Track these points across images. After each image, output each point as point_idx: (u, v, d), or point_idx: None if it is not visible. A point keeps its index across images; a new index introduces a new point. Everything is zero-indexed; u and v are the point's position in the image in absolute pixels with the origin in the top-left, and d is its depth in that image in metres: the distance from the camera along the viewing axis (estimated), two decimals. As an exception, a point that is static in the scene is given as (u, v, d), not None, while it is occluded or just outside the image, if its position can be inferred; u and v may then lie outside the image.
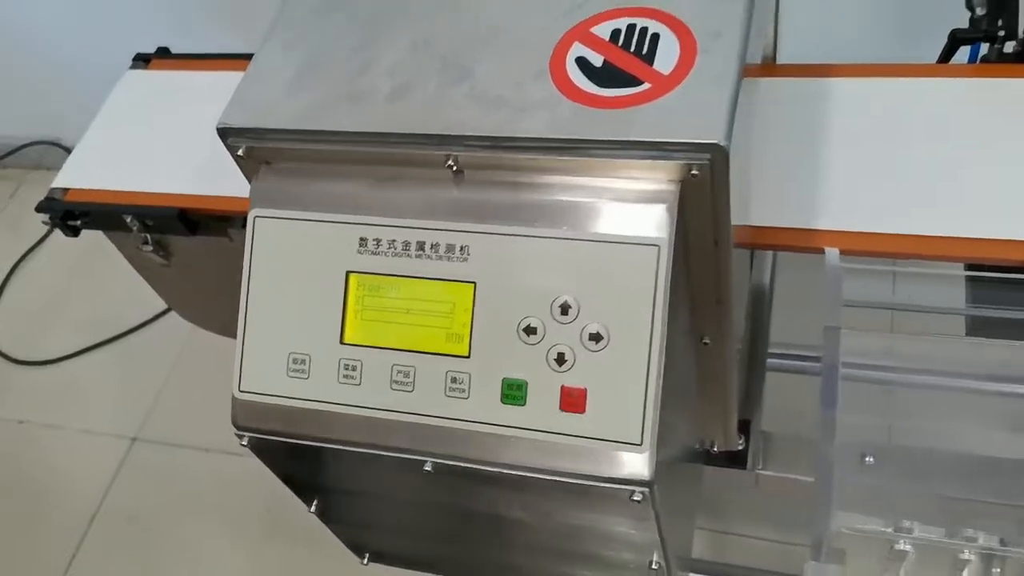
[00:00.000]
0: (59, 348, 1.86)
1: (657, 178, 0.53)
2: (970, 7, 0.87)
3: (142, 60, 1.01)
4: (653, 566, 0.62)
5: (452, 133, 0.55)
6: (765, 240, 0.72)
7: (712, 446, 0.79)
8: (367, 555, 0.78)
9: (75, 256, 1.94)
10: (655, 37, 0.56)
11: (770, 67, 0.87)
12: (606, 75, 0.55)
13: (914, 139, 0.75)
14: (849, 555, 0.56)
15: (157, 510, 1.62)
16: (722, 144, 0.50)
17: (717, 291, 0.60)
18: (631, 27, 0.57)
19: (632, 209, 0.53)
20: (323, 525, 0.73)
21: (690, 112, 0.52)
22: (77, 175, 0.92)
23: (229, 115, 0.59)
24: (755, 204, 0.71)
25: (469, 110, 0.55)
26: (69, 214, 0.90)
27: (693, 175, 0.52)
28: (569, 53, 0.56)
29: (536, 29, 0.58)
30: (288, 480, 0.66)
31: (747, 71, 0.55)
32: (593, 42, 0.57)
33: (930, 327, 0.81)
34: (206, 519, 1.58)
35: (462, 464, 0.55)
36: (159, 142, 0.90)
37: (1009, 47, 0.86)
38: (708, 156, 0.51)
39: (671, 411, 0.55)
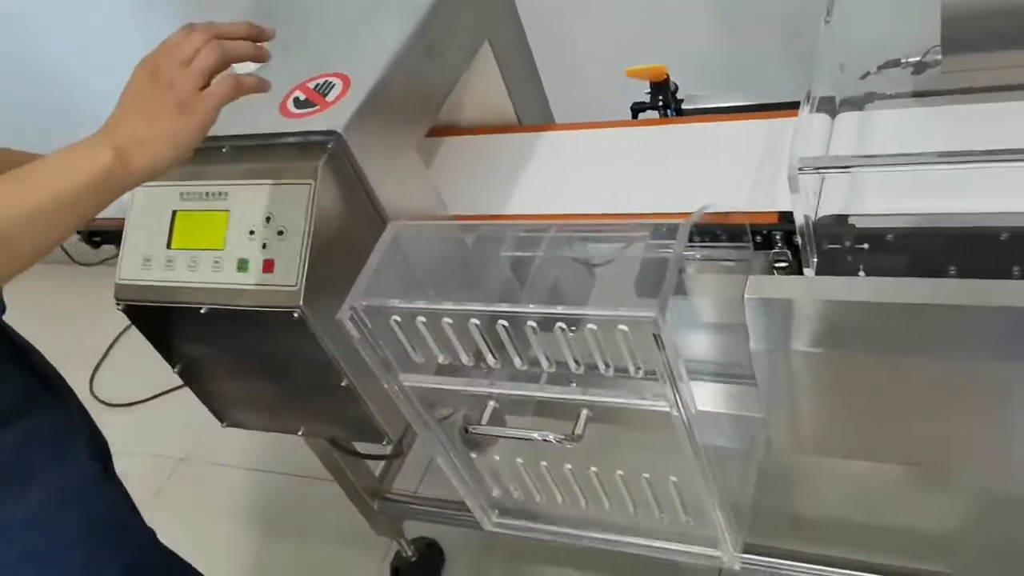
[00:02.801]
0: (139, 395, 2.45)
1: (315, 152, 1.01)
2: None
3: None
4: (343, 383, 1.06)
5: (227, 134, 1.06)
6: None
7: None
8: (225, 420, 1.24)
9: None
10: (331, 85, 1.06)
11: (513, 126, 1.35)
12: (303, 104, 1.05)
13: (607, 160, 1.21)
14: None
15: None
16: (339, 131, 0.99)
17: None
18: (323, 82, 1.07)
19: (303, 167, 1.01)
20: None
21: (330, 118, 1.01)
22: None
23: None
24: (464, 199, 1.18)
25: (240, 124, 1.06)
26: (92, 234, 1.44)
27: (329, 148, 1.00)
28: (292, 95, 1.07)
29: (282, 85, 1.09)
30: (155, 342, 1.15)
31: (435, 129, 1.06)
32: (304, 90, 1.07)
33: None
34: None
35: (218, 307, 1.03)
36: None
37: (670, 113, 1.31)
38: (334, 138, 1.00)
39: (329, 279, 1.01)
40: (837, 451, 1.14)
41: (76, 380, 1.17)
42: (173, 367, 1.17)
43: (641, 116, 1.32)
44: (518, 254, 1.10)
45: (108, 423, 2.31)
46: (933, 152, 0.91)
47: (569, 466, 1.03)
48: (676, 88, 1.31)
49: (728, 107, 1.26)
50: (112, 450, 1.17)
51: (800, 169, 0.91)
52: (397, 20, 1.12)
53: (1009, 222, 0.93)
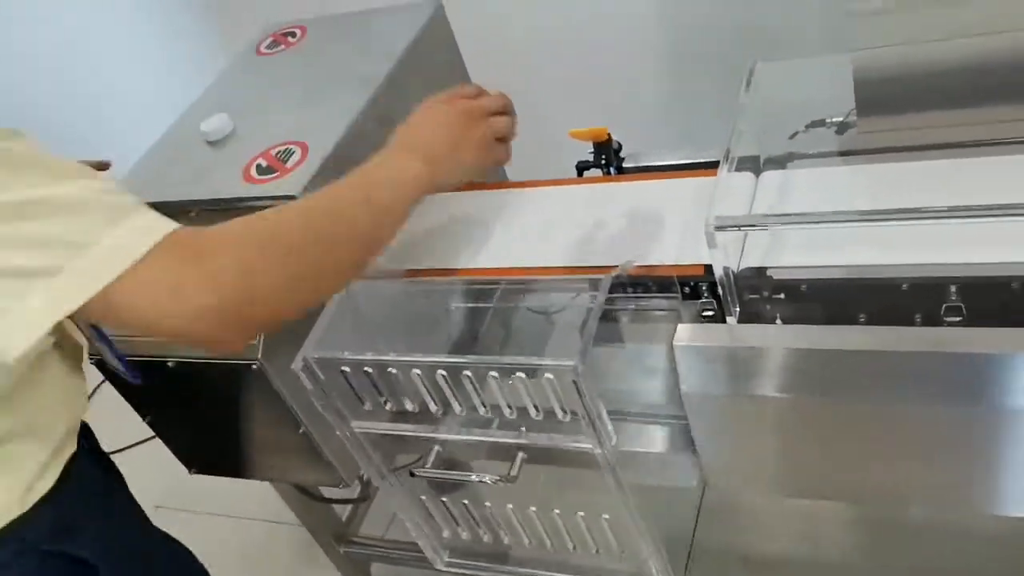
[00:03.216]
0: (114, 445, 2.50)
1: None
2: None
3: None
4: (301, 431, 1.13)
5: (196, 199, 1.14)
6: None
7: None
8: (193, 468, 1.31)
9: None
10: (291, 152, 1.14)
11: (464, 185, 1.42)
12: (264, 170, 1.13)
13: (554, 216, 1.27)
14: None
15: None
16: (296, 196, 1.07)
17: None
18: (284, 149, 1.16)
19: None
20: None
21: (288, 183, 1.10)
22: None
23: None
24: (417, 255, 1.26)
25: (208, 190, 1.14)
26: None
27: (288, 211, 1.08)
28: (255, 162, 1.16)
29: (247, 153, 1.18)
30: (127, 395, 1.22)
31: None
32: (267, 157, 1.16)
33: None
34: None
35: (185, 360, 1.10)
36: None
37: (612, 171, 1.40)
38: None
39: (287, 334, 1.08)
40: (768, 489, 1.21)
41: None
42: (144, 418, 1.24)
43: (586, 174, 1.41)
44: (469, 306, 1.18)
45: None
46: (837, 211, 0.99)
47: (511, 506, 1.09)
48: (620, 147, 1.40)
49: (667, 165, 1.35)
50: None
51: (717, 227, 1.00)
52: (353, 91, 1.21)
53: (910, 273, 1.01)
